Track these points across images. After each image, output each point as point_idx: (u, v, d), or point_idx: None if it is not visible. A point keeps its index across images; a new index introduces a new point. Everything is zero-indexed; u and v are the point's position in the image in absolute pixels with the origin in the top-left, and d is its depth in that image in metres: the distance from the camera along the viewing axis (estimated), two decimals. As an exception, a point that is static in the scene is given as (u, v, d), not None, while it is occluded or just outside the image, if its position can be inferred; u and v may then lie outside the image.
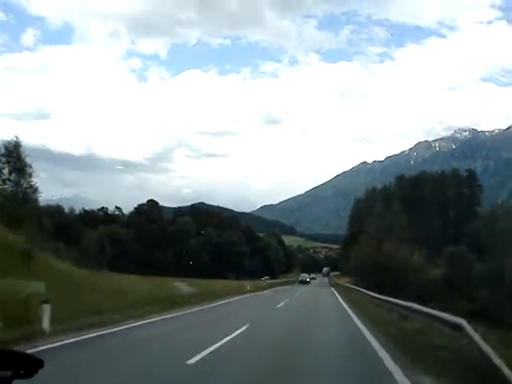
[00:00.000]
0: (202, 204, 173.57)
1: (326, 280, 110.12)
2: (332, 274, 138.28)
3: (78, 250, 58.13)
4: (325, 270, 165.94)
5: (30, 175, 38.66)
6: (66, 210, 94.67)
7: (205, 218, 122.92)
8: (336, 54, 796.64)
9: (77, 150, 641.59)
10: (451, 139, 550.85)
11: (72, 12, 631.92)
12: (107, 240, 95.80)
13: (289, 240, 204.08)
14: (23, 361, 1.96)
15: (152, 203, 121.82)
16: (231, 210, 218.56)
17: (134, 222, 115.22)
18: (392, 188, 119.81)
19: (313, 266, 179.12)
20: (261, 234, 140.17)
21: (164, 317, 18.13)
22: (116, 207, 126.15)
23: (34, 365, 1.97)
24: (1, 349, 1.94)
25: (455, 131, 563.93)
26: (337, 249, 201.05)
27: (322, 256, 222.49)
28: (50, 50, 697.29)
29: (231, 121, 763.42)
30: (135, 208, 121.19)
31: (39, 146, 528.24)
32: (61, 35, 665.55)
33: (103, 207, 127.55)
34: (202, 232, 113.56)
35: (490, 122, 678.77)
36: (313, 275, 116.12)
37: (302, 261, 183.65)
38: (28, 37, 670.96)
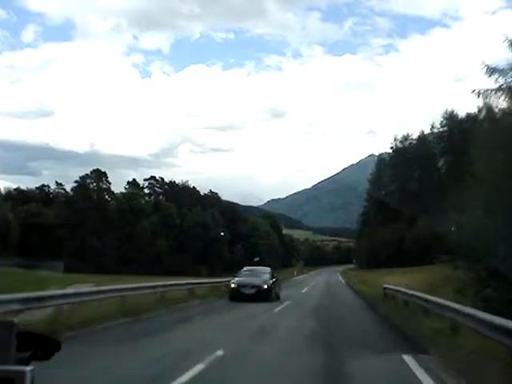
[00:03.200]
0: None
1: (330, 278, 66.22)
2: (344, 267, 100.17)
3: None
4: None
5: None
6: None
7: (181, 198, 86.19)
8: (340, 47, 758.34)
9: (80, 147, 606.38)
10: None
11: (72, 8, 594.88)
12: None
13: (296, 234, 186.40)
14: (41, 342, 1.83)
15: (98, 174, 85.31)
16: (237, 205, 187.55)
17: (67, 201, 79.37)
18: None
19: (319, 259, 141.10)
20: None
21: None
22: (57, 183, 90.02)
23: (52, 346, 1.85)
24: (20, 330, 1.73)
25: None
26: (345, 242, 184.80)
27: (329, 248, 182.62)
28: (51, 47, 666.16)
29: (236, 115, 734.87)
30: (76, 181, 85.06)
31: (42, 144, 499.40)
32: (62, 31, 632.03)
33: (43, 185, 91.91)
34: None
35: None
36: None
37: (306, 253, 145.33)
38: (29, 33, 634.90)
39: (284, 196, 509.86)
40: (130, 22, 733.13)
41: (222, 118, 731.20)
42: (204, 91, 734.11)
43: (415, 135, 73.44)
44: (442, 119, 62.92)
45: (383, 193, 72.87)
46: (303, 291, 31.13)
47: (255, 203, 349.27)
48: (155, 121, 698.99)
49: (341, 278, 57.31)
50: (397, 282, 24.87)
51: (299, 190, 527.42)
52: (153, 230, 72.66)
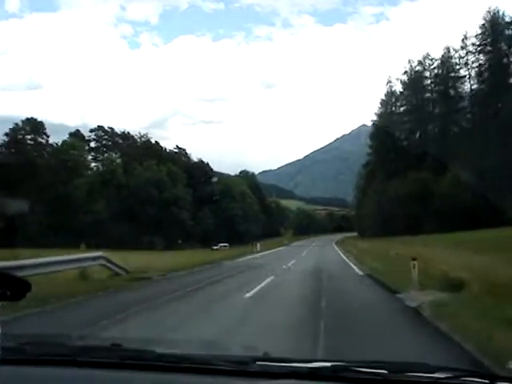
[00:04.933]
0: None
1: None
2: (341, 235, 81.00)
3: None
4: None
5: None
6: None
7: (138, 154, 66.34)
8: (330, 15, 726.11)
9: (71, 120, 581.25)
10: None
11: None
12: None
13: (288, 204, 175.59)
14: (10, 283, 1.71)
15: (32, 125, 65.24)
16: (228, 175, 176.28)
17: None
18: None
19: (311, 227, 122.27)
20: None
21: None
22: None
23: (21, 288, 1.75)
24: None
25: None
26: (338, 211, 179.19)
27: (321, 217, 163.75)
28: (37, 17, 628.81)
29: (226, 86, 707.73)
30: (5, 134, 65.06)
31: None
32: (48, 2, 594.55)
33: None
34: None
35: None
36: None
37: (297, 221, 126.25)
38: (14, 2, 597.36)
39: (275, 167, 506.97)
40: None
41: (213, 89, 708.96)
42: (194, 63, 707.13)
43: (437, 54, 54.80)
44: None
45: (397, 134, 53.81)
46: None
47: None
48: (146, 93, 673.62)
49: (341, 253, 34.86)
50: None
51: (291, 161, 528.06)
52: (89, 189, 53.20)
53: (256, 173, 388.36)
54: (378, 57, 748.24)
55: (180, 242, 62.33)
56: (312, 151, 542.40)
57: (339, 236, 78.11)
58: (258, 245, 48.32)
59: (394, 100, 60.43)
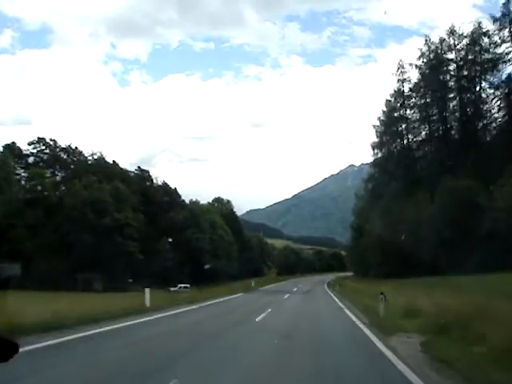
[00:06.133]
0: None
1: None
2: (332, 275, 66.79)
3: None
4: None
5: None
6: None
7: (84, 169, 53.05)
8: (319, 56, 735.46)
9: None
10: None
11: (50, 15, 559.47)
12: None
13: (276, 243, 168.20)
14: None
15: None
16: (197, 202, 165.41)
17: None
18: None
19: (297, 266, 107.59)
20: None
21: None
22: None
23: (10, 348, 1.74)
24: None
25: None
26: (327, 251, 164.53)
27: (309, 254, 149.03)
28: (28, 53, 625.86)
29: (215, 125, 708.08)
30: None
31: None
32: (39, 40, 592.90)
33: None
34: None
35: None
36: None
37: (281, 259, 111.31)
38: (5, 39, 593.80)
39: (264, 206, 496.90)
40: (108, 29, 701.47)
41: (201, 128, 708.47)
42: (183, 101, 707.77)
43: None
44: None
45: (409, 137, 41.49)
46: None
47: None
48: (134, 130, 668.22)
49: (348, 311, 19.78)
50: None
51: (279, 200, 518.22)
52: (6, 211, 39.53)
53: (244, 212, 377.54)
54: (365, 97, 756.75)
55: (131, 281, 48.63)
56: (300, 190, 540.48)
57: (330, 276, 63.92)
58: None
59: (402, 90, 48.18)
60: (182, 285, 46.52)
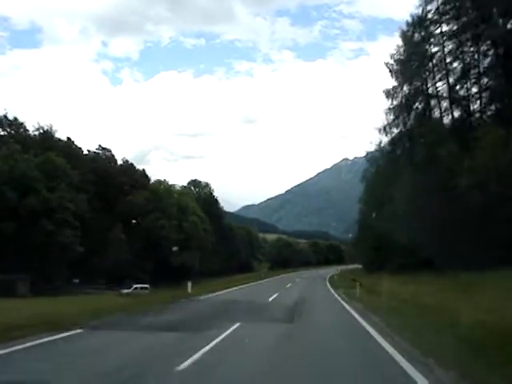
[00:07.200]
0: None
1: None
2: (332, 270, 56.02)
3: None
4: None
5: None
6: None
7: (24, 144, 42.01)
8: (310, 50, 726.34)
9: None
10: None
11: (40, 13, 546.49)
12: None
13: (271, 238, 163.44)
14: None
15: None
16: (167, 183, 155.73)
17: None
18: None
19: (291, 260, 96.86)
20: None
21: None
22: None
23: None
24: None
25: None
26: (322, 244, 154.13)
27: (304, 247, 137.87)
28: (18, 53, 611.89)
29: (207, 122, 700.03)
30: None
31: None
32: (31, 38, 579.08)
33: None
34: None
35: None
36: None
37: (273, 252, 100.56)
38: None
39: (258, 202, 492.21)
40: (99, 27, 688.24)
41: (194, 124, 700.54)
42: (176, 98, 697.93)
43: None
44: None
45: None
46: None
47: (228, 209, 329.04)
48: (127, 128, 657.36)
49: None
50: None
51: (273, 195, 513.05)
52: None
53: (238, 207, 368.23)
54: (358, 91, 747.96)
55: (76, 281, 37.89)
56: (294, 185, 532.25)
57: (330, 270, 52.53)
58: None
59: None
60: (138, 285, 35.81)
